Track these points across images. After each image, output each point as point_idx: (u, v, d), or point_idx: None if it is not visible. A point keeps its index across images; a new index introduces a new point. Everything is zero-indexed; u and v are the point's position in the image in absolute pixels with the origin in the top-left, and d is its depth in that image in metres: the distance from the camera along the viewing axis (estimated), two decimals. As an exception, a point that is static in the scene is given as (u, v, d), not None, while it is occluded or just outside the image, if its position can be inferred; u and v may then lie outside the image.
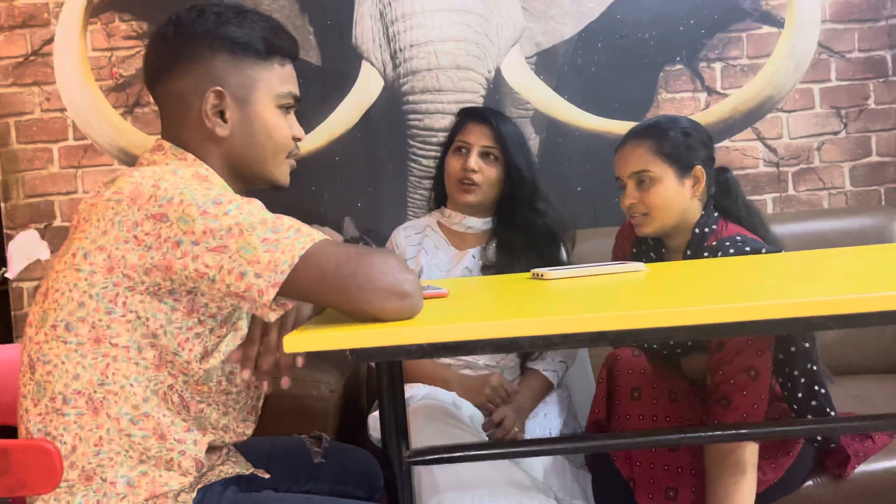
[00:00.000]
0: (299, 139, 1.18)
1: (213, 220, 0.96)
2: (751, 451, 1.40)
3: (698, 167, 1.55)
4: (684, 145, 1.56)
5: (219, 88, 1.09)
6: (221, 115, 1.10)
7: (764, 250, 1.47)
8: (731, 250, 1.47)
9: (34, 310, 1.06)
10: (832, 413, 1.48)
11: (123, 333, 1.00)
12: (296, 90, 1.17)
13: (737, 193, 1.62)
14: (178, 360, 1.03)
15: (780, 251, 1.49)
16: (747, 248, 1.47)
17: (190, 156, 1.10)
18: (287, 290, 0.96)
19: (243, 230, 0.95)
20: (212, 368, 1.06)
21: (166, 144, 1.12)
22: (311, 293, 0.98)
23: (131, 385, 1.01)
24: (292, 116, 1.17)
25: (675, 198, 1.55)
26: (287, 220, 0.99)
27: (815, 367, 1.47)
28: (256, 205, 1.01)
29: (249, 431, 1.17)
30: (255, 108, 1.12)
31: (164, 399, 1.04)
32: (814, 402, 1.47)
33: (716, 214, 1.58)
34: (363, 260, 0.96)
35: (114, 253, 0.98)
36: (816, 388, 1.47)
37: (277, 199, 2.28)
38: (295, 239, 0.96)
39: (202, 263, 0.96)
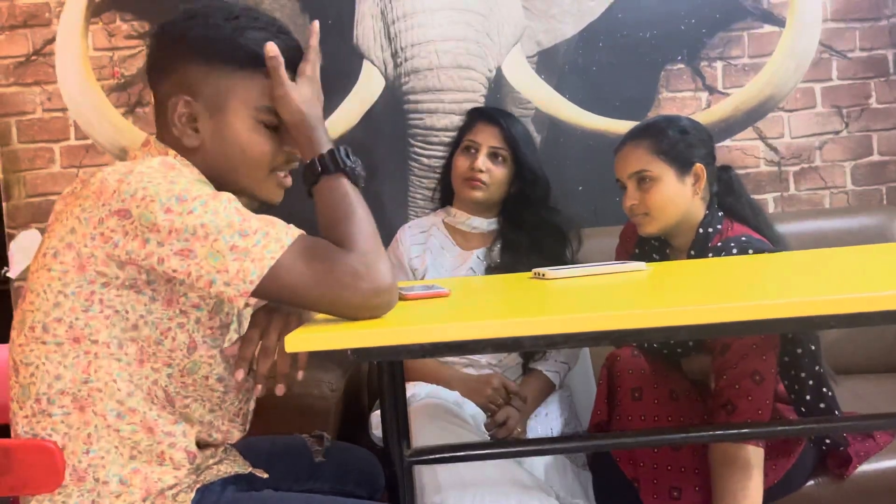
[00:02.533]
0: (293, 154, 1.11)
1: (177, 217, 0.94)
2: (755, 453, 1.39)
3: (698, 164, 1.55)
4: (683, 143, 1.55)
5: (187, 98, 1.06)
6: (194, 122, 1.07)
7: (768, 251, 1.47)
8: (735, 250, 1.47)
9: (16, 312, 1.06)
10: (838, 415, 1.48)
11: (102, 330, 1.00)
12: None
13: (740, 192, 1.61)
14: (161, 349, 1.02)
15: (785, 251, 1.49)
16: (751, 250, 1.46)
17: (172, 151, 1.08)
18: (259, 295, 0.97)
19: (209, 233, 0.94)
20: (199, 359, 1.05)
21: (152, 139, 1.11)
22: (283, 300, 1.01)
23: (114, 381, 1.01)
24: (276, 135, 1.09)
25: (676, 196, 1.54)
26: (255, 222, 0.96)
27: (821, 369, 1.47)
28: (223, 200, 0.97)
29: (237, 433, 1.15)
30: (227, 119, 1.06)
31: (149, 394, 1.03)
32: (822, 405, 1.47)
33: (720, 214, 1.57)
34: (329, 277, 0.95)
35: (82, 251, 0.98)
36: (824, 390, 1.47)
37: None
38: (264, 246, 0.95)
39: (170, 267, 0.96)
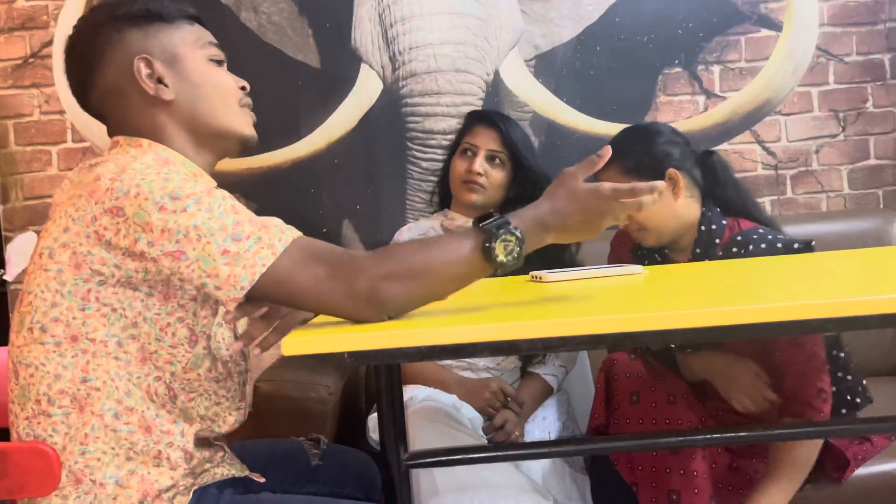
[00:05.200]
0: (245, 88, 1.17)
1: (170, 216, 0.94)
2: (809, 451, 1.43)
3: (670, 170, 1.52)
4: (647, 157, 1.53)
5: (144, 56, 1.09)
6: (160, 81, 1.10)
7: (796, 245, 1.45)
8: (763, 245, 1.45)
9: (14, 314, 1.06)
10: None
11: (100, 328, 1.00)
12: (216, 41, 1.16)
13: (725, 178, 1.58)
14: (163, 346, 1.02)
15: (811, 243, 1.45)
16: (779, 245, 1.45)
17: (145, 141, 1.09)
18: (251, 298, 0.97)
19: (201, 235, 0.94)
20: (201, 352, 1.05)
21: (121, 138, 1.11)
22: (277, 303, 1.04)
23: (113, 380, 1.01)
24: (227, 70, 1.16)
25: (661, 208, 1.51)
26: (248, 226, 0.96)
27: (848, 377, 1.50)
28: (217, 198, 0.97)
29: (241, 418, 1.15)
30: (186, 65, 1.11)
31: (148, 392, 1.03)
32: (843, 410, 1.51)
33: (717, 210, 1.56)
34: (322, 288, 0.95)
35: (78, 249, 0.98)
36: (849, 397, 1.51)
37: (276, 201, 2.28)
38: (256, 252, 0.94)
39: (163, 266, 0.96)
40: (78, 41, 1.12)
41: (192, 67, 1.11)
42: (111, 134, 1.13)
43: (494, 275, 0.98)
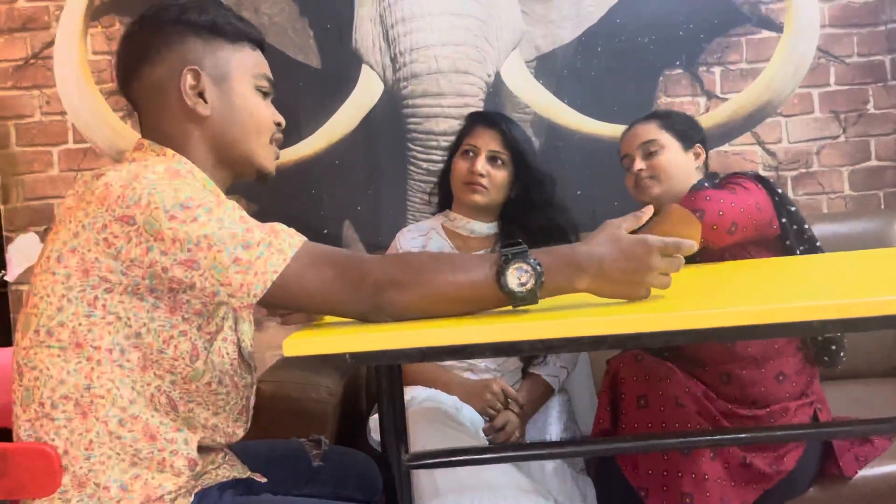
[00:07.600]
0: (280, 124, 1.18)
1: (181, 225, 0.95)
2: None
3: (698, 144, 1.69)
4: (687, 124, 1.72)
5: (195, 67, 1.09)
6: (201, 95, 1.10)
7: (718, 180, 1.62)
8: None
9: (20, 315, 1.06)
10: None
11: (105, 336, 1.00)
12: (270, 75, 1.17)
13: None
14: (164, 357, 1.02)
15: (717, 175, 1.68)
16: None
17: (169, 151, 1.10)
18: (264, 304, 0.99)
19: (212, 244, 0.95)
20: (200, 367, 1.05)
21: (146, 142, 1.12)
22: (288, 308, 1.08)
23: (117, 388, 1.00)
24: (270, 103, 1.17)
25: (681, 164, 1.66)
26: (258, 233, 0.96)
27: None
28: (227, 208, 0.98)
29: (241, 432, 1.16)
30: (233, 87, 1.12)
31: (151, 400, 1.03)
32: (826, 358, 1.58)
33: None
34: (328, 289, 0.96)
35: (86, 255, 0.98)
36: (833, 348, 1.57)
37: (277, 202, 2.28)
38: (267, 259, 0.95)
39: (174, 276, 0.96)
40: (139, 31, 1.13)
41: (237, 91, 1.12)
42: (142, 127, 1.14)
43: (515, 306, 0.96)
